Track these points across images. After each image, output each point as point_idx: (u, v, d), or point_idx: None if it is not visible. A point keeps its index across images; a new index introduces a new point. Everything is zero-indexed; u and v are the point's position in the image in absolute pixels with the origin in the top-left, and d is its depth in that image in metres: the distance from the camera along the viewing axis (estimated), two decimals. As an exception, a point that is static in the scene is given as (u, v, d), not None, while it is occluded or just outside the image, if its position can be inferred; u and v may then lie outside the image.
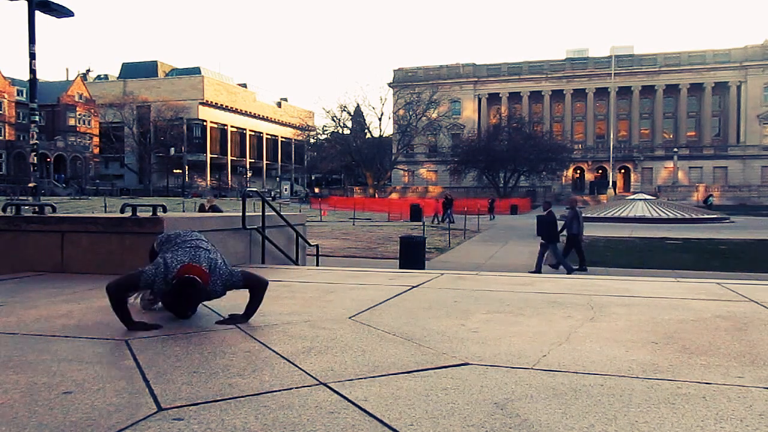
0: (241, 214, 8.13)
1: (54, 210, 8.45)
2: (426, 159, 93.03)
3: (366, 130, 77.35)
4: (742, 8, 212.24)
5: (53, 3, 10.84)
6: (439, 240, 22.86)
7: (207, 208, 17.49)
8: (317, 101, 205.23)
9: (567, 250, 15.39)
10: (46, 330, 3.98)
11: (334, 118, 75.56)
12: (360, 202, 53.13)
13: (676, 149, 78.43)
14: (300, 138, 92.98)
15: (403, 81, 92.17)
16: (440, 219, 34.67)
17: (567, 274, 13.31)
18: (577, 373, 3.02)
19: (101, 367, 3.11)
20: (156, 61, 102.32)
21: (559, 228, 15.56)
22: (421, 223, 28.22)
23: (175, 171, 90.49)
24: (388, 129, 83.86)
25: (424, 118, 76.78)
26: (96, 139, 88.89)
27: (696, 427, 2.30)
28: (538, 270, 14.05)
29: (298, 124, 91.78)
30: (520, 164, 70.82)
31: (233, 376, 2.97)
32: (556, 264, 14.70)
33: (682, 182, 78.67)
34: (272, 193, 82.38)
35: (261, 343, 3.63)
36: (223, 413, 2.45)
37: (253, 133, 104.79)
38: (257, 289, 4.27)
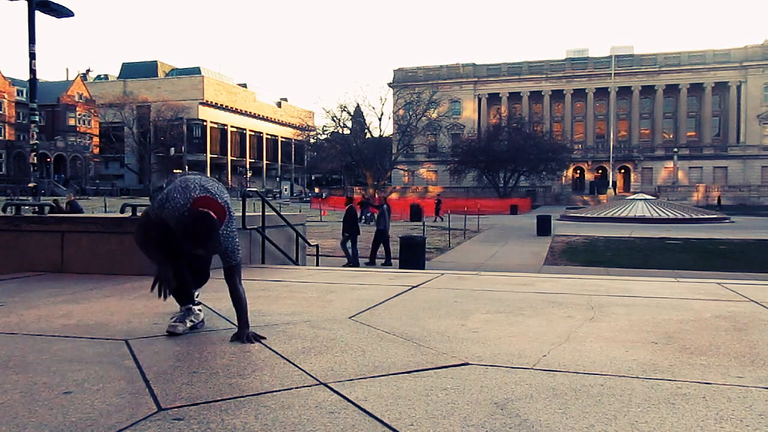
0: (241, 214, 8.13)
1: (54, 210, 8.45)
2: (426, 159, 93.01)
3: (366, 130, 77.28)
4: (742, 8, 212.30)
5: (53, 3, 10.84)
6: (439, 240, 22.86)
7: (65, 207, 14.87)
8: (317, 101, 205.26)
9: (375, 243, 16.44)
10: (46, 330, 3.98)
11: (334, 118, 75.51)
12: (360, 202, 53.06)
13: (676, 149, 78.42)
14: (300, 138, 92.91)
15: (403, 81, 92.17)
16: (365, 219, 35.00)
17: (352, 265, 14.78)
18: (577, 373, 3.02)
19: (101, 367, 3.11)
20: (156, 61, 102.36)
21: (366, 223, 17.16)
22: (421, 223, 28.21)
23: (175, 171, 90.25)
24: (388, 129, 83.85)
25: (424, 118, 76.70)
26: (96, 139, 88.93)
27: (696, 427, 2.30)
28: (355, 263, 15.07)
29: (298, 124, 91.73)
30: (520, 164, 70.84)
31: (233, 376, 2.97)
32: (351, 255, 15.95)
33: (682, 182, 78.68)
34: (316, 194, 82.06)
35: (261, 343, 3.63)
36: (223, 413, 2.45)
37: (253, 133, 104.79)
38: (232, 275, 3.72)
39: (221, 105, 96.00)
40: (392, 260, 16.04)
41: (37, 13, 10.45)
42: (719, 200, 66.01)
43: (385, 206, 17.05)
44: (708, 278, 8.45)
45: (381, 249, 16.45)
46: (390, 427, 2.29)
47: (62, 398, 2.62)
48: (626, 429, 2.28)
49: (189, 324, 3.93)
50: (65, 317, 4.40)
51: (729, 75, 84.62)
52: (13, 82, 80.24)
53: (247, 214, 8.23)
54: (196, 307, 4.05)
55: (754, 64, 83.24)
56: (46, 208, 8.35)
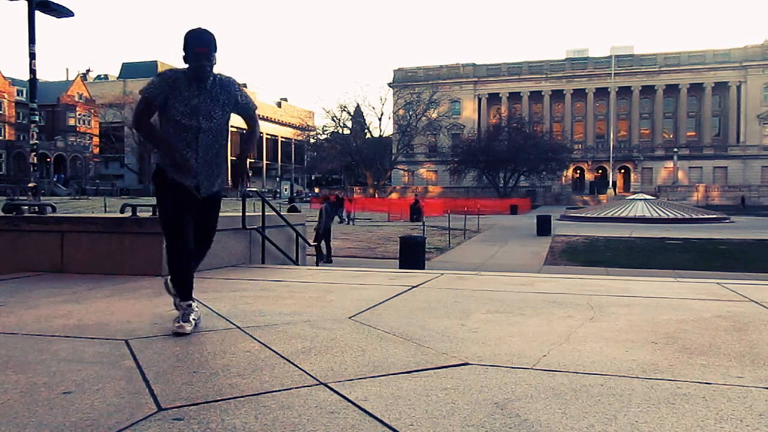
0: (241, 214, 8.13)
1: (54, 210, 8.45)
2: (426, 159, 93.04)
3: (366, 130, 77.37)
4: (742, 8, 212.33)
5: (53, 3, 10.80)
6: (439, 240, 22.87)
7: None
8: (317, 101, 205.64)
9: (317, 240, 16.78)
10: (46, 330, 3.98)
11: (334, 118, 75.66)
12: (360, 202, 53.08)
13: (676, 149, 78.47)
14: (300, 138, 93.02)
15: (403, 81, 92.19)
16: (341, 218, 34.90)
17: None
18: (577, 373, 3.02)
19: (101, 367, 3.11)
20: (156, 61, 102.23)
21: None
22: (421, 223, 28.21)
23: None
24: (388, 129, 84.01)
25: (424, 118, 76.80)
26: (96, 139, 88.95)
27: (696, 427, 2.30)
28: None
29: (298, 124, 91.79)
30: (520, 164, 70.90)
31: (233, 376, 2.97)
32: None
33: (682, 182, 78.72)
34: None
35: (261, 343, 3.63)
36: (223, 413, 2.45)
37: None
38: (254, 125, 4.27)
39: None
40: (331, 258, 16.53)
41: (37, 13, 10.42)
42: (743, 200, 65.73)
43: (325, 205, 17.31)
44: (708, 278, 8.45)
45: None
46: (390, 427, 2.29)
47: (62, 398, 2.62)
48: (626, 429, 2.28)
49: (193, 323, 3.93)
50: (65, 317, 4.40)
51: (729, 75, 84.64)
52: (13, 82, 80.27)
53: (247, 214, 8.22)
54: (194, 303, 4.06)
55: (754, 64, 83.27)
56: (47, 209, 8.33)
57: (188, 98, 3.86)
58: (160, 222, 4.07)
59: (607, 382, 2.86)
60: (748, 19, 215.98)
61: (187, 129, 3.89)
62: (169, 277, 4.12)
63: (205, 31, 3.87)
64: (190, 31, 3.86)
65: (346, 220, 35.10)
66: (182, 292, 4.02)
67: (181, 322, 3.88)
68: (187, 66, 3.87)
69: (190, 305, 4.00)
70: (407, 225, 32.46)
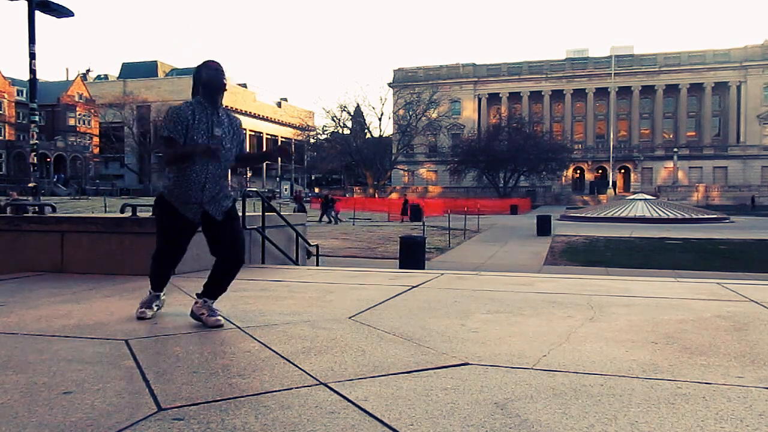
0: (240, 213, 8.13)
1: (54, 210, 8.46)
2: (426, 159, 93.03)
3: (366, 130, 77.39)
4: (742, 8, 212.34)
5: (53, 3, 10.81)
6: (439, 240, 22.86)
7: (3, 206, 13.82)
8: (317, 101, 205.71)
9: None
10: (46, 330, 3.98)
11: (334, 118, 75.68)
12: (360, 202, 53.04)
13: (676, 149, 78.47)
14: (300, 138, 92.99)
15: (403, 81, 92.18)
16: (330, 218, 35.03)
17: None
18: (577, 373, 3.02)
19: (101, 367, 3.11)
20: (156, 61, 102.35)
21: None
22: (420, 223, 28.21)
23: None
24: (388, 129, 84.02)
25: (424, 118, 76.80)
26: (96, 139, 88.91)
27: (696, 427, 2.30)
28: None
29: (298, 124, 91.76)
30: (520, 164, 70.92)
31: (233, 376, 2.97)
32: None
33: (682, 182, 78.73)
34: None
35: (261, 343, 3.63)
36: (223, 413, 2.45)
37: (252, 133, 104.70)
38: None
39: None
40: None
41: (37, 13, 10.42)
42: (753, 200, 65.55)
43: (296, 206, 17.38)
44: (708, 278, 8.45)
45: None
46: (390, 427, 2.29)
47: (62, 398, 2.62)
48: (626, 429, 2.28)
49: (155, 309, 4.37)
50: (65, 317, 4.40)
51: (729, 75, 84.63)
52: (13, 82, 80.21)
53: (247, 214, 8.22)
54: (162, 296, 4.46)
55: (754, 64, 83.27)
56: (47, 209, 8.33)
57: (205, 130, 4.03)
58: (156, 234, 4.29)
59: (607, 382, 2.86)
60: (748, 19, 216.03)
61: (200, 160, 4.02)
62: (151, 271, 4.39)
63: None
64: (211, 71, 4.07)
65: (335, 220, 35.00)
66: (156, 284, 4.40)
67: (144, 308, 4.30)
68: (199, 95, 4.08)
69: (158, 296, 4.40)
70: (407, 225, 32.44)
